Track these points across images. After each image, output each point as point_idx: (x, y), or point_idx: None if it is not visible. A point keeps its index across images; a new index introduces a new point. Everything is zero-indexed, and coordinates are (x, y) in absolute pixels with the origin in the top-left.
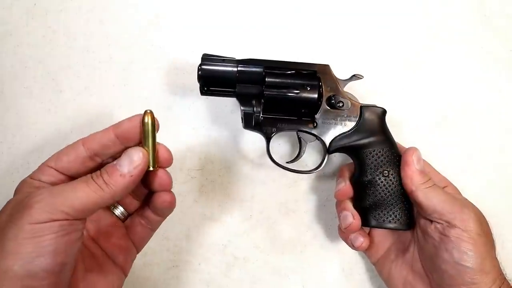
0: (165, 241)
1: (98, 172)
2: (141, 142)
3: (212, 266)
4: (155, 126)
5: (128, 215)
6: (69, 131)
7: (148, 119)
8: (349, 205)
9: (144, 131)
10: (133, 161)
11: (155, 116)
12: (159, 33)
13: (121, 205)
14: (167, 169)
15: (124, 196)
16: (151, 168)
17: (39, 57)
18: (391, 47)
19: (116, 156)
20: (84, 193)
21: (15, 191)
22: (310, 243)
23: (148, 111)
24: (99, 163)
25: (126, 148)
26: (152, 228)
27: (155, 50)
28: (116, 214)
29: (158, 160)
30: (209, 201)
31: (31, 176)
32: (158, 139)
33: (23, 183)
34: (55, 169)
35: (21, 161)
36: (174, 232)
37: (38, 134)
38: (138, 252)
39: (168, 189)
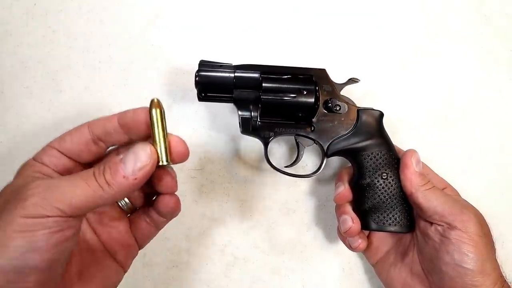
0: (165, 241)
1: (101, 168)
2: (150, 136)
3: (212, 266)
4: (163, 115)
5: (134, 209)
6: None
7: (155, 111)
8: (349, 208)
9: (151, 123)
10: (139, 161)
11: (162, 103)
12: (158, 33)
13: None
14: (173, 167)
15: (127, 196)
16: (164, 163)
17: (39, 57)
18: (389, 48)
19: (120, 144)
20: (83, 191)
21: (17, 172)
22: (310, 243)
23: (155, 100)
24: (103, 149)
25: (130, 139)
26: (157, 227)
27: (155, 50)
28: (121, 205)
29: (171, 153)
30: (209, 201)
31: (34, 158)
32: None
33: (25, 165)
34: (58, 151)
35: (21, 162)
36: (174, 232)
37: (38, 134)
38: (140, 249)
39: (172, 191)
